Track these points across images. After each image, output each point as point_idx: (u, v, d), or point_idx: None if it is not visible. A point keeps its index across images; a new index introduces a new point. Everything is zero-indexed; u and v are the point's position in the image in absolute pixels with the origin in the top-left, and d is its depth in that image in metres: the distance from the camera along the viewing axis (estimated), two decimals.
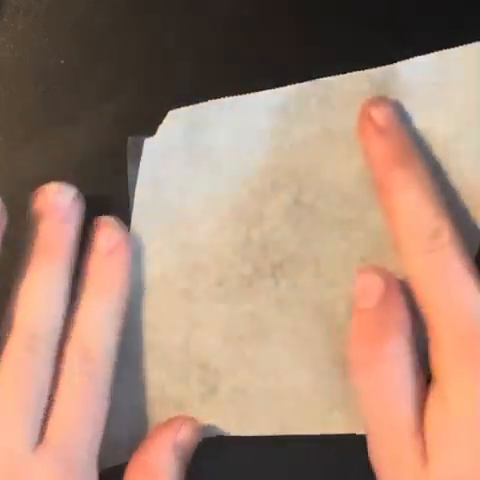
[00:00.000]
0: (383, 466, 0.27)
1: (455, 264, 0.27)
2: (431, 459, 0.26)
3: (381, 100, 0.30)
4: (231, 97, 0.32)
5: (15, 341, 0.28)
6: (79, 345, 0.29)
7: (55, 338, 0.29)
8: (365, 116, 0.30)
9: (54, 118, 0.33)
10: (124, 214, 0.32)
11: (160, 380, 0.32)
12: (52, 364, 0.29)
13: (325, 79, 0.32)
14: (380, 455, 0.27)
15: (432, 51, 0.31)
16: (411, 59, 0.31)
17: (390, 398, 0.27)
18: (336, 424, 0.32)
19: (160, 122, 0.32)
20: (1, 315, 0.30)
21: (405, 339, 0.27)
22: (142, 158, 0.32)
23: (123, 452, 0.32)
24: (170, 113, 0.32)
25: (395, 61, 0.31)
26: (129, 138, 0.32)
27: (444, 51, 0.31)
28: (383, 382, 0.27)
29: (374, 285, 0.28)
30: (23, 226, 0.33)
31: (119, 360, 0.32)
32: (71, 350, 0.29)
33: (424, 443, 0.26)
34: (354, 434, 0.32)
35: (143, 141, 0.32)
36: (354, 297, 0.29)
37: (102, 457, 0.32)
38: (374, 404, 0.27)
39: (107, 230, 0.30)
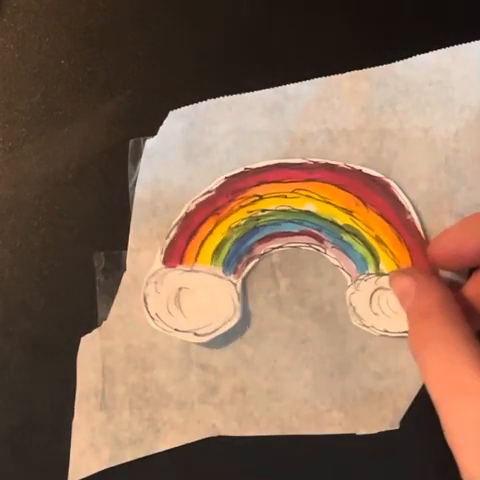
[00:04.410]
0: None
1: None
2: None
3: None
4: (230, 96, 0.32)
5: None
6: None
7: None
8: None
9: (54, 118, 0.33)
10: (124, 214, 0.32)
11: (160, 380, 0.32)
12: None
13: (324, 79, 0.32)
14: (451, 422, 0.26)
15: (431, 51, 0.31)
16: (410, 58, 0.31)
17: (447, 366, 0.26)
18: (336, 424, 0.32)
19: (160, 122, 0.32)
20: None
21: (445, 315, 0.27)
22: (142, 158, 0.32)
23: (124, 452, 0.32)
24: (170, 113, 0.32)
25: (394, 61, 0.31)
26: (131, 141, 0.32)
27: (443, 51, 0.31)
28: (438, 357, 0.26)
29: (407, 286, 0.29)
30: (22, 226, 0.33)
31: (122, 361, 0.32)
32: None
33: None
34: (354, 434, 0.32)
35: (144, 142, 0.32)
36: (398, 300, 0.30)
37: (104, 457, 0.32)
38: (434, 375, 0.27)
39: None
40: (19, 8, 0.34)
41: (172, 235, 0.31)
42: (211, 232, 0.31)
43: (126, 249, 0.32)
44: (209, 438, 0.32)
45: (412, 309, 0.29)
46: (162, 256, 0.31)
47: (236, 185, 0.31)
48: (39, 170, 0.33)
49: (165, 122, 0.32)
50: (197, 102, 0.32)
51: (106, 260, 0.32)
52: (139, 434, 0.32)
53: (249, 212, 0.31)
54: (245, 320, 0.32)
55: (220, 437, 0.32)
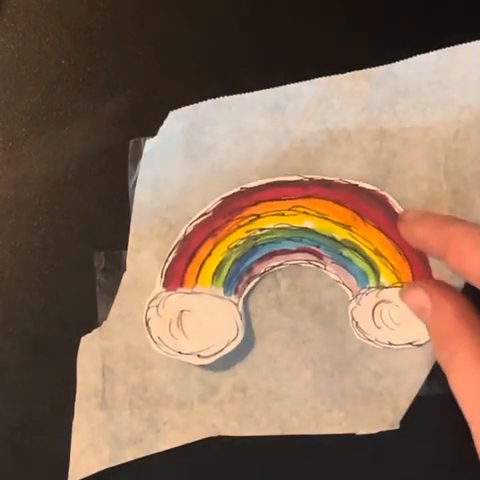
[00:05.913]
0: None
1: None
2: None
3: None
4: (230, 96, 0.32)
5: None
6: None
7: None
8: None
9: (54, 118, 0.33)
10: (124, 214, 0.32)
11: (160, 380, 0.32)
12: None
13: (324, 78, 0.32)
14: None
15: (431, 51, 0.31)
16: (410, 59, 0.31)
17: (475, 387, 0.26)
18: (336, 424, 0.32)
19: (160, 122, 0.32)
20: None
21: (464, 333, 0.27)
22: (142, 158, 0.32)
23: (124, 452, 0.32)
24: (170, 113, 0.32)
25: (394, 61, 0.31)
26: (131, 141, 0.32)
27: (443, 50, 0.31)
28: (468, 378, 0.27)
29: (421, 300, 0.29)
30: (22, 226, 0.33)
31: (122, 361, 0.32)
32: None
33: None
34: (354, 434, 0.32)
35: (144, 142, 0.32)
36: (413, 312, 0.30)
37: (104, 457, 0.32)
38: (463, 395, 0.27)
39: None
40: (19, 8, 0.34)
41: (171, 258, 0.31)
42: (210, 253, 0.31)
43: (126, 249, 0.32)
44: (209, 438, 0.32)
45: (431, 326, 0.29)
46: (162, 280, 0.31)
47: (233, 205, 0.31)
48: (39, 170, 0.33)
49: (165, 122, 0.32)
50: (197, 102, 0.32)
51: (106, 260, 0.32)
52: (139, 434, 0.32)
53: (247, 232, 0.31)
54: (245, 320, 0.32)
55: (220, 437, 0.32)
